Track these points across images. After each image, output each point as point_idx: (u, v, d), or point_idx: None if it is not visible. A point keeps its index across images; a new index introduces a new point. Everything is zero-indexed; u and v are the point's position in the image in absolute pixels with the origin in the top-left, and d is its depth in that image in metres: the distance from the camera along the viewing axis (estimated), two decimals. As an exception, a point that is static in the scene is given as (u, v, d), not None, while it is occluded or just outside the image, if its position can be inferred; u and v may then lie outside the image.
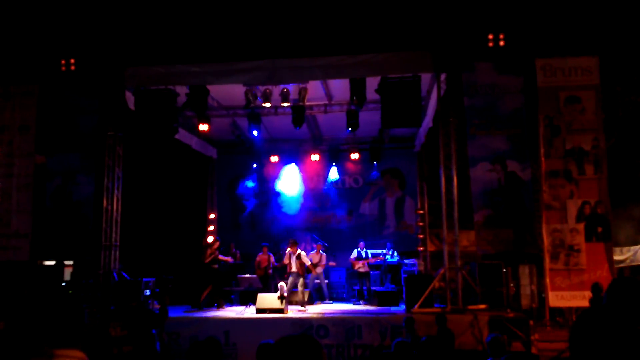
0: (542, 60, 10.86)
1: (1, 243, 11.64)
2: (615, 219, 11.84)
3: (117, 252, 11.98)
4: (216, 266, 12.69)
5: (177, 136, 13.24)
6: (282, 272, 14.58)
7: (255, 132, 14.07)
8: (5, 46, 12.09)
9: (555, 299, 10.29)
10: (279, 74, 11.41)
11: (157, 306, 10.77)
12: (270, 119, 14.44)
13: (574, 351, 2.70)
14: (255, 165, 17.45)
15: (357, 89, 11.49)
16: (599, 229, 10.22)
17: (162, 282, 11.69)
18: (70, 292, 11.34)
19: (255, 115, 13.44)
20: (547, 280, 10.36)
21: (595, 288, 8.96)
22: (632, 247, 13.90)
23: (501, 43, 10.85)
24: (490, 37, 10.86)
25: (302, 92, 12.20)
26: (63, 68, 11.92)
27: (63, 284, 11.66)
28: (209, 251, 12.67)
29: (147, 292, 10.88)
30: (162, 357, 6.71)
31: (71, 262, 13.04)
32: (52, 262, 12.78)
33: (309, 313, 11.01)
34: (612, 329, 2.47)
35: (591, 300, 8.94)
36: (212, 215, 17.45)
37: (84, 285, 11.74)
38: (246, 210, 17.76)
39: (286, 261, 12.48)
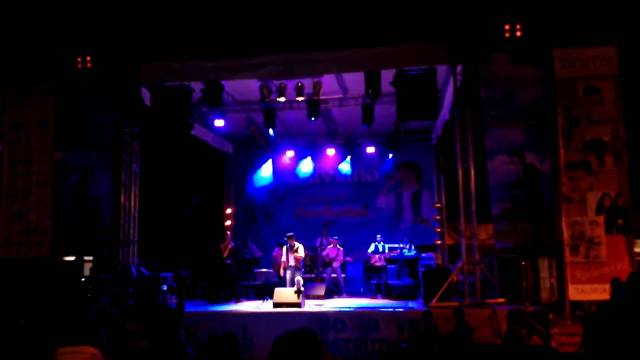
0: (559, 51, 10.70)
1: (22, 239, 11.79)
2: (636, 211, 11.64)
3: (135, 248, 12.08)
4: (229, 261, 12.72)
5: (193, 132, 13.27)
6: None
7: (271, 131, 14.10)
8: (23, 44, 12.22)
9: (575, 292, 10.17)
10: (293, 69, 11.37)
11: (175, 301, 10.84)
12: (286, 114, 14.41)
13: (588, 344, 2.65)
14: (271, 160, 17.46)
15: (372, 82, 11.40)
16: (620, 221, 10.06)
17: (179, 278, 11.74)
18: (89, 287, 11.43)
19: (270, 110, 13.42)
20: (567, 274, 10.24)
21: (615, 283, 8.81)
22: (654, 240, 13.67)
23: (518, 33, 10.70)
24: (507, 27, 10.72)
25: (317, 86, 12.15)
26: (80, 65, 12.01)
27: (82, 279, 11.75)
28: (222, 246, 12.74)
29: (165, 287, 10.92)
30: (183, 352, 6.72)
31: (91, 258, 13.17)
32: (72, 258, 12.91)
33: (326, 307, 11.00)
34: (629, 323, 2.41)
35: (612, 294, 8.81)
36: (228, 210, 17.51)
37: (102, 280, 11.85)
38: (262, 205, 17.78)
39: (283, 257, 12.47)
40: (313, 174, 17.53)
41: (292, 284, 11.73)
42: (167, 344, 5.68)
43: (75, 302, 2.91)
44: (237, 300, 12.23)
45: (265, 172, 17.66)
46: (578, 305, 11.09)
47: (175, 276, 11.80)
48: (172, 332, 5.63)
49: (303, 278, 11.90)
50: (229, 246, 12.84)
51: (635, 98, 13.73)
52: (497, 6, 10.96)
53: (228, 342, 5.14)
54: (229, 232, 13.56)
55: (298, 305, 10.80)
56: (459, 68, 11.03)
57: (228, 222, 17.14)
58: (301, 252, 12.29)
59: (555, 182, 10.63)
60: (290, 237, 12.45)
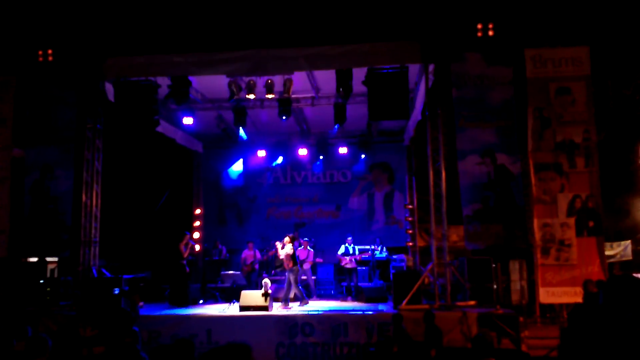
0: (532, 51, 10.62)
1: (-22, 239, 11.29)
2: (607, 213, 11.62)
3: (97, 249, 11.65)
4: (184, 262, 12.23)
5: (161, 130, 12.91)
6: (269, 268, 14.31)
7: (242, 132, 13.85)
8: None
9: (546, 295, 10.08)
10: (263, 65, 11.10)
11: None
12: (257, 112, 14.15)
13: (565, 349, 2.46)
14: (242, 160, 17.15)
15: (343, 80, 11.18)
16: (590, 223, 10.00)
17: (133, 281, 11.25)
18: (48, 289, 10.95)
19: (240, 109, 13.12)
20: (538, 276, 10.14)
21: (587, 285, 8.72)
22: (623, 242, 13.74)
23: (490, 33, 10.59)
24: (479, 26, 10.61)
25: (287, 84, 11.89)
26: (41, 59, 11.57)
27: (41, 281, 11.25)
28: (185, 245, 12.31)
29: (117, 290, 10.42)
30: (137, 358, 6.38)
31: (56, 259, 12.71)
32: (35, 259, 12.43)
33: (294, 310, 10.73)
34: (610, 329, 2.21)
35: (584, 297, 8.71)
36: (198, 211, 17.13)
37: (63, 282, 11.39)
38: (233, 206, 17.45)
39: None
40: (284, 175, 17.29)
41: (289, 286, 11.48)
42: (125, 351, 5.35)
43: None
44: (184, 304, 11.68)
45: (236, 171, 17.34)
46: (549, 307, 11.02)
47: (130, 279, 11.32)
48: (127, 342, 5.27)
49: (271, 280, 11.62)
50: (190, 245, 12.41)
51: (606, 101, 13.77)
52: (470, 5, 10.83)
53: (181, 351, 4.81)
54: (193, 232, 13.10)
55: (265, 308, 10.52)
56: (431, 67, 10.88)
57: (197, 223, 16.77)
58: (281, 253, 11.84)
59: (526, 184, 10.54)
60: (290, 237, 11.94)
